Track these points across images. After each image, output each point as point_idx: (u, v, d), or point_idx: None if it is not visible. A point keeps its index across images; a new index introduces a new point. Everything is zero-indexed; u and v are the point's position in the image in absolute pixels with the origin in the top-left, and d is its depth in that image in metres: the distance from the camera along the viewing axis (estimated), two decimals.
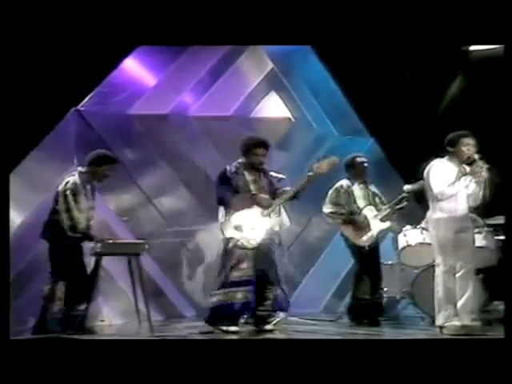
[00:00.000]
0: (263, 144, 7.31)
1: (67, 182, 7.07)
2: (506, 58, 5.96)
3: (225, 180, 7.23)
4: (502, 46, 6.52)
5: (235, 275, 7.05)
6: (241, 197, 7.16)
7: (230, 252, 7.11)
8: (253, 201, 7.17)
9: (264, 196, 7.19)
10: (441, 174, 6.74)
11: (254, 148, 7.25)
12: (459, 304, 6.63)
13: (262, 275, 7.13)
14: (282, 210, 7.40)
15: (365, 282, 7.94)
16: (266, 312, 7.17)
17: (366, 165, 8.16)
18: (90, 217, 7.28)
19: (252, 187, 7.25)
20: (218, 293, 7.07)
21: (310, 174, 7.16)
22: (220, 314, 7.04)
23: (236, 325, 7.06)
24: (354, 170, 8.11)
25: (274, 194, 7.29)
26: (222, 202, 7.25)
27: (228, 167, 7.30)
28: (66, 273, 7.04)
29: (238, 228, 7.09)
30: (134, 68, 8.78)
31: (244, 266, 7.06)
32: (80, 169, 7.24)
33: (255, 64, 9.77)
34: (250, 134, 7.60)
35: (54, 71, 7.69)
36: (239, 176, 7.24)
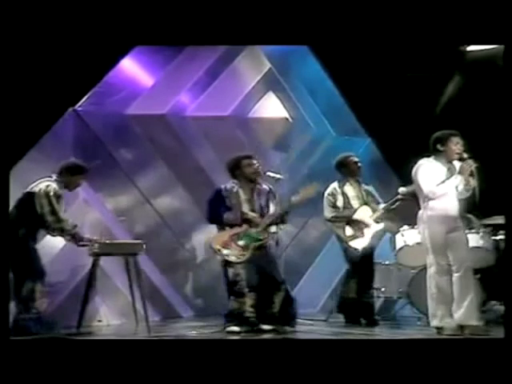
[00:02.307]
0: (250, 156, 7.39)
1: (48, 185, 7.02)
2: (506, 57, 5.97)
3: (219, 199, 7.28)
4: (502, 46, 6.52)
5: (235, 288, 7.15)
6: (232, 214, 7.21)
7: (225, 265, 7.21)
8: (243, 218, 7.21)
9: (254, 214, 7.23)
10: (429, 173, 6.74)
11: (243, 160, 7.32)
12: (463, 304, 6.62)
13: (263, 280, 7.18)
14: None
15: (352, 282, 7.97)
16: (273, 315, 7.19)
17: (359, 165, 8.18)
18: (72, 222, 7.22)
19: (244, 206, 7.28)
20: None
21: (295, 199, 7.26)
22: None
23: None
24: (346, 169, 8.13)
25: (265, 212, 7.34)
26: (214, 220, 7.34)
27: (223, 186, 7.36)
28: (34, 273, 6.97)
29: (226, 244, 7.17)
30: (132, 68, 8.77)
31: (238, 278, 7.14)
32: (54, 177, 7.18)
33: (253, 64, 9.77)
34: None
35: (51, 71, 7.67)
36: (233, 194, 7.28)
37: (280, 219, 7.37)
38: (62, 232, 7.10)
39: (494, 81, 7.49)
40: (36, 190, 7.01)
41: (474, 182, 6.64)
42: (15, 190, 6.82)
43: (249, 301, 7.11)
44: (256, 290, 7.15)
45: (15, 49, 5.99)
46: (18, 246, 6.91)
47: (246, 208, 7.28)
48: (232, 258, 7.12)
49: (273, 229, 7.37)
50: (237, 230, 7.19)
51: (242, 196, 7.31)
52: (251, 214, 7.22)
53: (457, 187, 6.73)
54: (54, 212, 6.97)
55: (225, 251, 7.13)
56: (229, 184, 7.36)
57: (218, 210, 7.25)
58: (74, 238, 7.15)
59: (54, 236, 7.25)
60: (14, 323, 6.78)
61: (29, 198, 7.01)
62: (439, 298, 6.69)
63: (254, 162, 7.34)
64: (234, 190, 7.30)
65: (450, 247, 6.71)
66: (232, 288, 7.14)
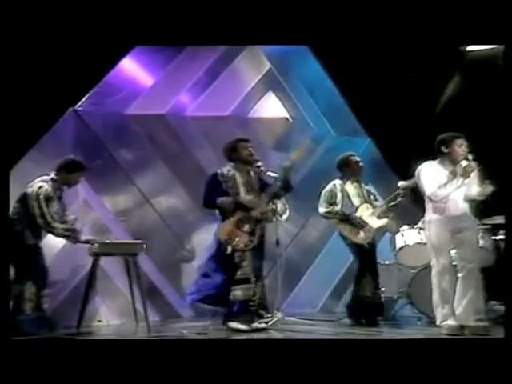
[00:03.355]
0: (246, 139, 7.51)
1: (40, 187, 6.99)
2: (506, 57, 5.97)
3: (215, 183, 7.33)
4: (502, 46, 6.52)
5: (238, 274, 7.19)
6: (226, 199, 7.26)
7: (229, 255, 7.21)
8: (238, 204, 7.26)
9: (248, 198, 7.29)
10: (431, 176, 6.76)
11: (239, 142, 7.44)
12: (462, 304, 6.63)
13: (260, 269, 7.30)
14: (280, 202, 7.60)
15: (367, 280, 7.91)
16: (255, 307, 7.23)
17: (361, 164, 8.17)
18: (68, 219, 7.21)
19: (242, 189, 7.33)
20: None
21: (286, 164, 7.34)
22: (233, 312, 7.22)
23: (245, 323, 7.13)
24: (347, 168, 8.12)
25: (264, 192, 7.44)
26: (208, 204, 7.37)
27: (219, 171, 7.41)
28: (32, 272, 6.96)
29: (233, 233, 7.21)
30: (132, 68, 8.77)
31: (245, 263, 7.20)
32: (52, 175, 7.17)
33: (253, 64, 9.77)
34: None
35: (51, 71, 7.67)
36: (230, 178, 7.32)
37: (285, 189, 7.45)
38: (53, 234, 7.11)
39: (494, 81, 7.49)
40: (29, 190, 7.00)
41: (490, 187, 6.67)
42: (15, 190, 6.82)
43: (255, 288, 7.17)
44: (259, 277, 7.22)
45: (15, 49, 5.99)
46: (15, 244, 6.91)
47: (243, 191, 7.33)
48: (241, 246, 7.18)
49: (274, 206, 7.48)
50: (238, 215, 7.23)
51: (239, 179, 7.37)
52: (245, 199, 7.27)
53: (470, 189, 6.73)
54: (42, 215, 6.95)
55: (232, 240, 7.17)
56: (225, 168, 7.42)
57: (213, 194, 7.28)
58: (69, 238, 7.17)
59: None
60: (13, 324, 6.77)
61: (24, 198, 7.02)
62: (441, 298, 6.71)
63: (249, 145, 7.44)
64: (231, 173, 7.36)
65: (457, 247, 6.74)
66: (234, 273, 7.17)
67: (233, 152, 7.42)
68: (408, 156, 7.70)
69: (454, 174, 6.72)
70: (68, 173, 7.20)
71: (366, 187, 8.28)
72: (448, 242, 6.73)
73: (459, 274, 6.68)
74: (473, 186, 6.78)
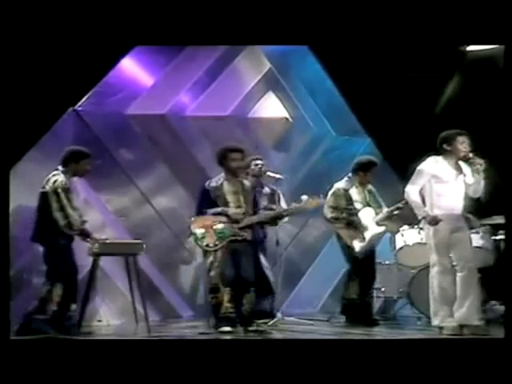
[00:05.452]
0: (237, 149, 7.32)
1: (55, 181, 6.99)
2: (506, 57, 5.97)
3: (204, 193, 7.29)
4: (502, 46, 6.52)
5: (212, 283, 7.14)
6: (216, 212, 7.21)
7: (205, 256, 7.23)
8: (223, 214, 7.21)
9: (234, 210, 7.20)
10: (418, 173, 6.78)
11: (229, 153, 7.27)
12: (465, 304, 6.62)
13: (239, 276, 7.17)
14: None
15: (355, 283, 7.92)
16: (247, 312, 7.19)
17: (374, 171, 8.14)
18: (81, 214, 7.24)
19: (230, 198, 7.26)
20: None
21: (297, 206, 7.32)
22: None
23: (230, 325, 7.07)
24: (364, 173, 8.06)
25: (257, 209, 7.41)
26: (199, 214, 7.33)
27: (207, 183, 7.33)
28: (62, 274, 6.99)
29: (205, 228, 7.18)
30: (132, 68, 8.78)
31: (212, 274, 7.12)
32: (61, 168, 7.15)
33: (253, 64, 9.77)
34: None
35: (51, 71, 7.67)
36: (217, 187, 7.25)
37: (273, 221, 7.46)
38: (70, 228, 7.07)
39: (494, 81, 7.49)
40: (47, 188, 7.01)
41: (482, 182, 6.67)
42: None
43: (225, 296, 7.05)
44: (231, 285, 7.09)
45: (15, 49, 6.00)
46: (49, 247, 7.01)
47: (231, 201, 7.24)
48: (203, 244, 7.13)
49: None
50: (219, 218, 7.16)
51: (227, 188, 7.24)
52: (231, 211, 7.18)
53: (469, 184, 6.72)
54: (61, 208, 6.95)
55: (200, 234, 7.13)
56: (214, 178, 7.35)
57: (202, 206, 7.26)
58: (83, 234, 7.17)
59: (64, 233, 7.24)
60: (26, 321, 6.81)
61: (43, 198, 7.02)
62: (441, 298, 6.69)
63: (240, 157, 7.28)
64: (219, 183, 7.27)
65: (454, 247, 6.72)
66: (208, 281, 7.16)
67: (222, 159, 7.32)
68: (408, 156, 7.69)
69: (456, 171, 6.73)
70: (76, 163, 7.17)
71: (369, 187, 8.21)
72: (448, 241, 6.72)
73: (458, 274, 6.68)
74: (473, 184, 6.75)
